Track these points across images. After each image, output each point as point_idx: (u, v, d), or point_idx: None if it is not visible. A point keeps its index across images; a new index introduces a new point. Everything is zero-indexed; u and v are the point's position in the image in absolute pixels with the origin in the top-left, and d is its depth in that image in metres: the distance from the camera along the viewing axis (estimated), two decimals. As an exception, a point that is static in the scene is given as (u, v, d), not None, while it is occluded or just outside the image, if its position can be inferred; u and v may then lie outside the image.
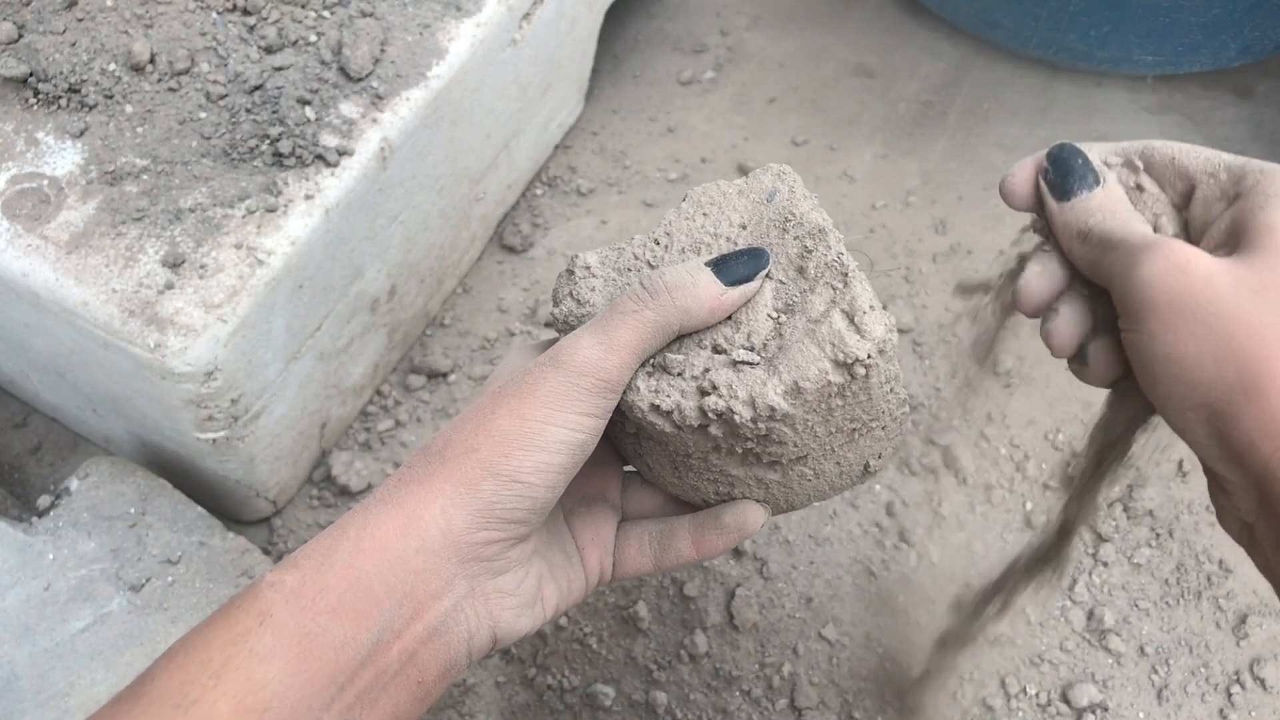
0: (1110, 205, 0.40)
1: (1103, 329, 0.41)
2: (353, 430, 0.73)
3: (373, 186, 0.60)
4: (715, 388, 0.40)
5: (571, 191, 0.85)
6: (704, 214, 0.44)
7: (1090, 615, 0.69)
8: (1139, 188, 0.41)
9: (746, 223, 0.44)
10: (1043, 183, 0.42)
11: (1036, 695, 0.66)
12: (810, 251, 0.42)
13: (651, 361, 0.41)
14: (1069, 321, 0.41)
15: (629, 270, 0.43)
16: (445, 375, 0.76)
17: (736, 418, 0.39)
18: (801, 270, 0.42)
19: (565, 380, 0.38)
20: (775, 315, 0.41)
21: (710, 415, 0.40)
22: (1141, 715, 0.66)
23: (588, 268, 0.43)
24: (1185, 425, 0.37)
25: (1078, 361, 0.41)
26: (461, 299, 0.79)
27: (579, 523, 0.45)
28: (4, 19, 0.58)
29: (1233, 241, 0.38)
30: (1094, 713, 0.66)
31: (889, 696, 0.66)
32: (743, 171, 0.87)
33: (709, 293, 0.40)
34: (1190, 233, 0.41)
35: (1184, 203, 0.41)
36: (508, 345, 0.77)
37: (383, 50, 0.61)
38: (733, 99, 0.92)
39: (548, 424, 0.38)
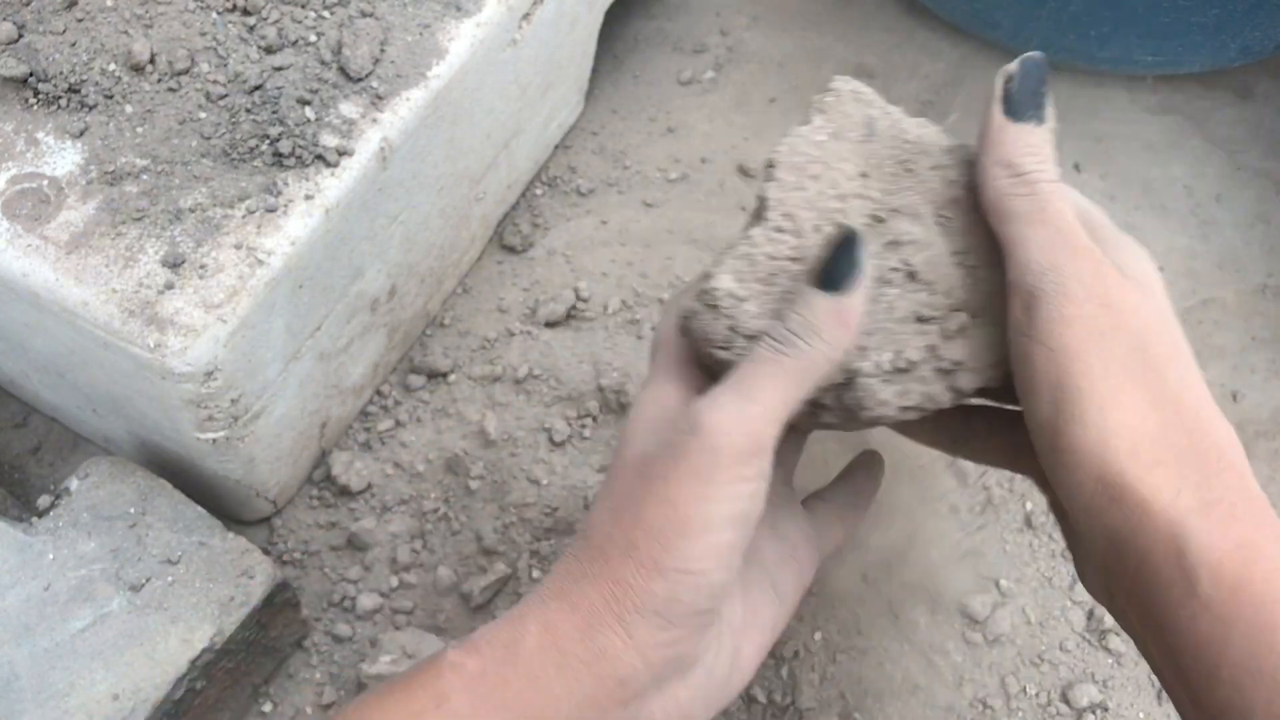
0: (1047, 152, 0.38)
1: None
2: (353, 430, 0.73)
3: (373, 186, 0.60)
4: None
5: (571, 191, 0.85)
6: (811, 177, 0.39)
7: (1090, 615, 0.69)
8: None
9: (866, 170, 0.39)
10: (999, 87, 0.39)
11: (1036, 695, 0.66)
12: (955, 181, 0.39)
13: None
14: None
15: (776, 276, 0.39)
16: (445, 375, 0.76)
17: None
18: (956, 201, 0.38)
19: (709, 452, 0.35)
20: (958, 259, 0.38)
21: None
22: (1141, 715, 0.66)
23: (732, 294, 0.38)
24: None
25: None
26: (461, 299, 0.79)
27: (768, 547, 0.42)
28: (4, 19, 0.58)
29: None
30: (1094, 713, 0.66)
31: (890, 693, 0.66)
32: (743, 172, 0.87)
33: (827, 313, 0.36)
34: None
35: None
36: (508, 342, 0.77)
37: (383, 50, 0.61)
38: (733, 99, 0.92)
39: (702, 503, 0.35)
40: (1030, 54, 0.39)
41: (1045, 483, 0.40)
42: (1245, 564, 0.32)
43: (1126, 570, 0.34)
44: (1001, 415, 0.45)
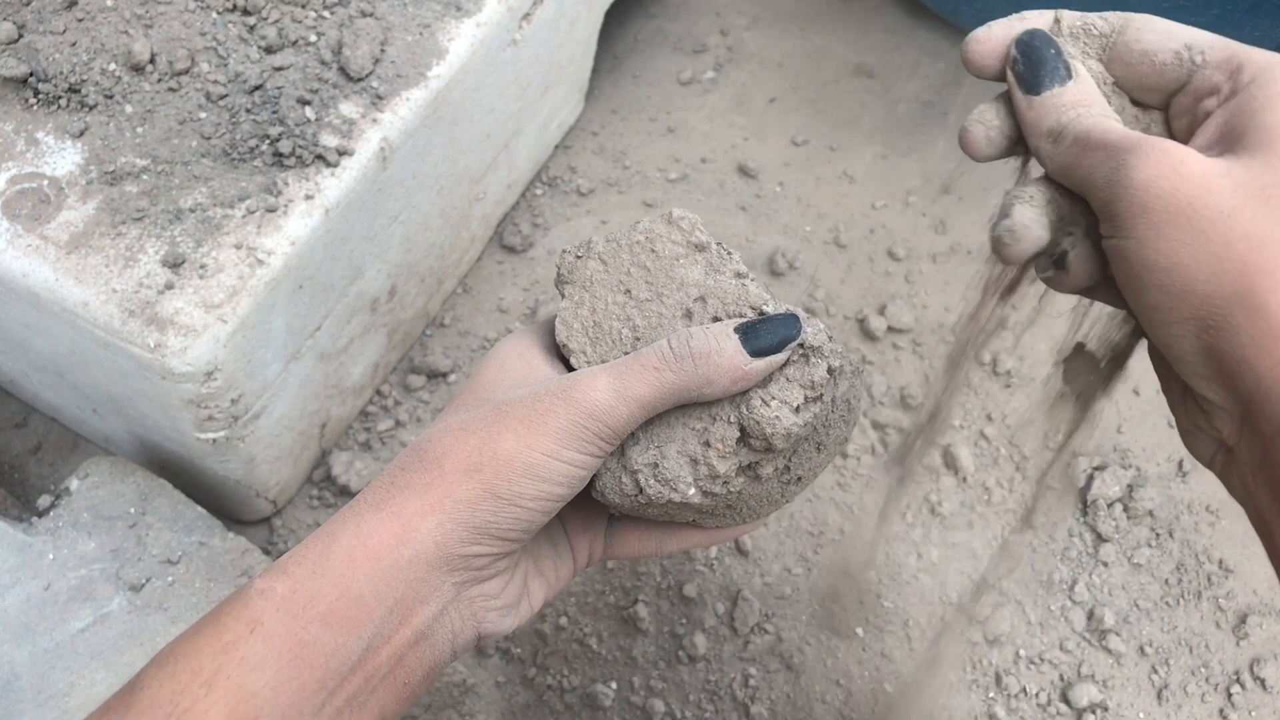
0: (1085, 99, 0.37)
1: (1079, 234, 0.37)
2: (353, 430, 0.73)
3: (373, 186, 0.60)
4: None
5: (571, 191, 0.85)
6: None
7: (1090, 615, 0.69)
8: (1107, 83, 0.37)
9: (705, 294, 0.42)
10: (1010, 74, 0.38)
11: (1036, 695, 0.66)
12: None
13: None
14: (1037, 220, 0.36)
15: (610, 339, 0.43)
16: (445, 375, 0.76)
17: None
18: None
19: (575, 420, 0.38)
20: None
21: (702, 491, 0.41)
22: (1141, 715, 0.66)
23: (565, 323, 0.43)
24: (1171, 339, 0.34)
25: (1054, 267, 0.37)
26: (461, 299, 0.79)
27: (570, 511, 0.45)
28: (4, 19, 0.58)
29: (1227, 143, 0.34)
30: (1094, 713, 0.66)
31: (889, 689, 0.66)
32: (743, 171, 0.87)
33: (732, 363, 0.38)
34: (1174, 132, 0.37)
35: (1163, 100, 0.37)
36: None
37: (383, 50, 0.61)
38: (733, 99, 0.92)
39: (554, 459, 0.38)
40: (1029, 30, 0.38)
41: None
42: None
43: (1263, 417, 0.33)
44: None
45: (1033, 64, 0.37)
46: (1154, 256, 0.33)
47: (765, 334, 0.39)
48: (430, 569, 0.38)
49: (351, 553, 0.37)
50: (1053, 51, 0.37)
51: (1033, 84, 0.37)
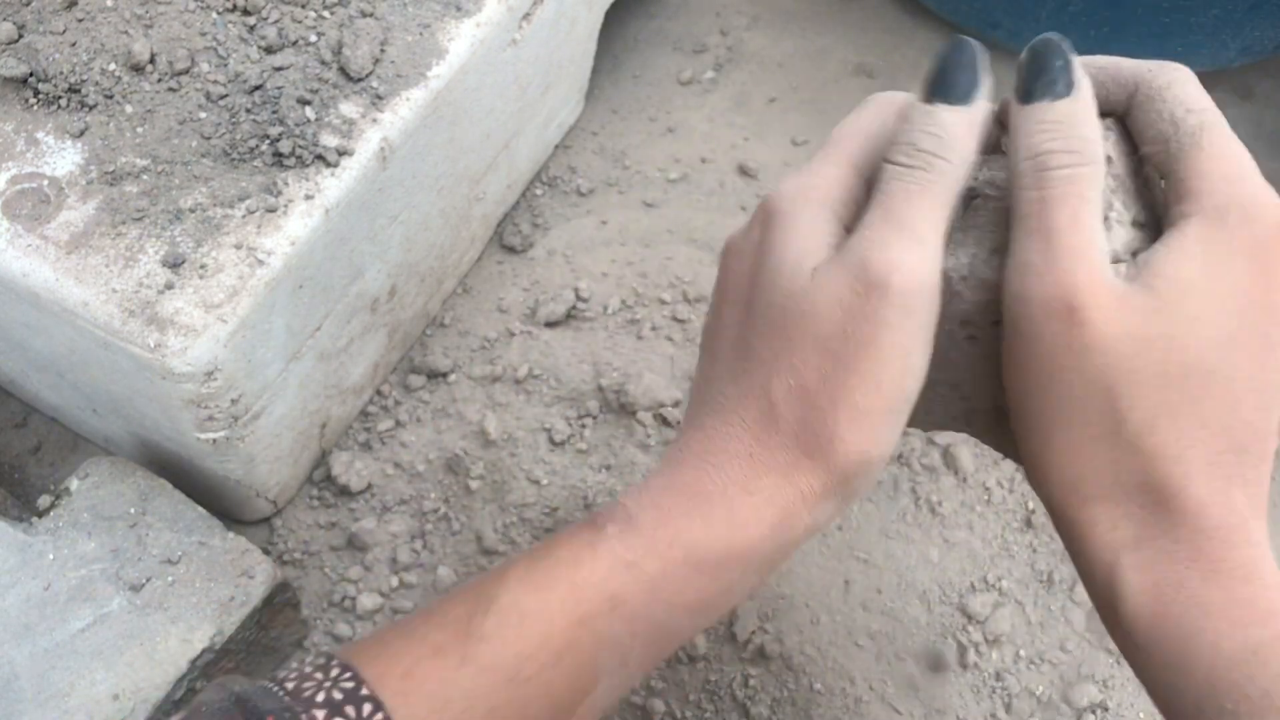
0: (1073, 122, 0.33)
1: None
2: (353, 430, 0.73)
3: (373, 186, 0.60)
4: None
5: (571, 191, 0.85)
6: None
7: (1090, 615, 0.69)
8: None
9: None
10: (1017, 75, 0.36)
11: (1037, 695, 0.66)
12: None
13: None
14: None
15: None
16: (445, 375, 0.76)
17: None
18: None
19: (904, 314, 0.32)
20: None
21: None
22: (1141, 715, 0.66)
23: None
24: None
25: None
26: (461, 299, 0.79)
27: None
28: (4, 19, 0.58)
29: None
30: (1094, 713, 0.66)
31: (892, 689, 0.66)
32: (743, 172, 0.87)
33: (957, 127, 0.33)
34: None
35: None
36: (508, 342, 0.77)
37: (383, 50, 0.61)
38: (733, 99, 0.92)
39: (904, 377, 0.33)
40: (1046, 34, 0.37)
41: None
42: (1163, 601, 0.32)
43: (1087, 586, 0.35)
44: None
45: (1035, 68, 0.35)
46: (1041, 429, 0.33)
47: (956, 76, 0.34)
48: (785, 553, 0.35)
49: (729, 538, 0.34)
50: (1060, 63, 0.35)
51: (1026, 89, 0.35)
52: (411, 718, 0.31)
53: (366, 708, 0.30)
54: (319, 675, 0.32)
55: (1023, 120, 0.34)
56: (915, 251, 0.32)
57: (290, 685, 0.32)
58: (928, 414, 0.39)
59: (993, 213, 0.35)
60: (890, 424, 0.34)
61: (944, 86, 0.34)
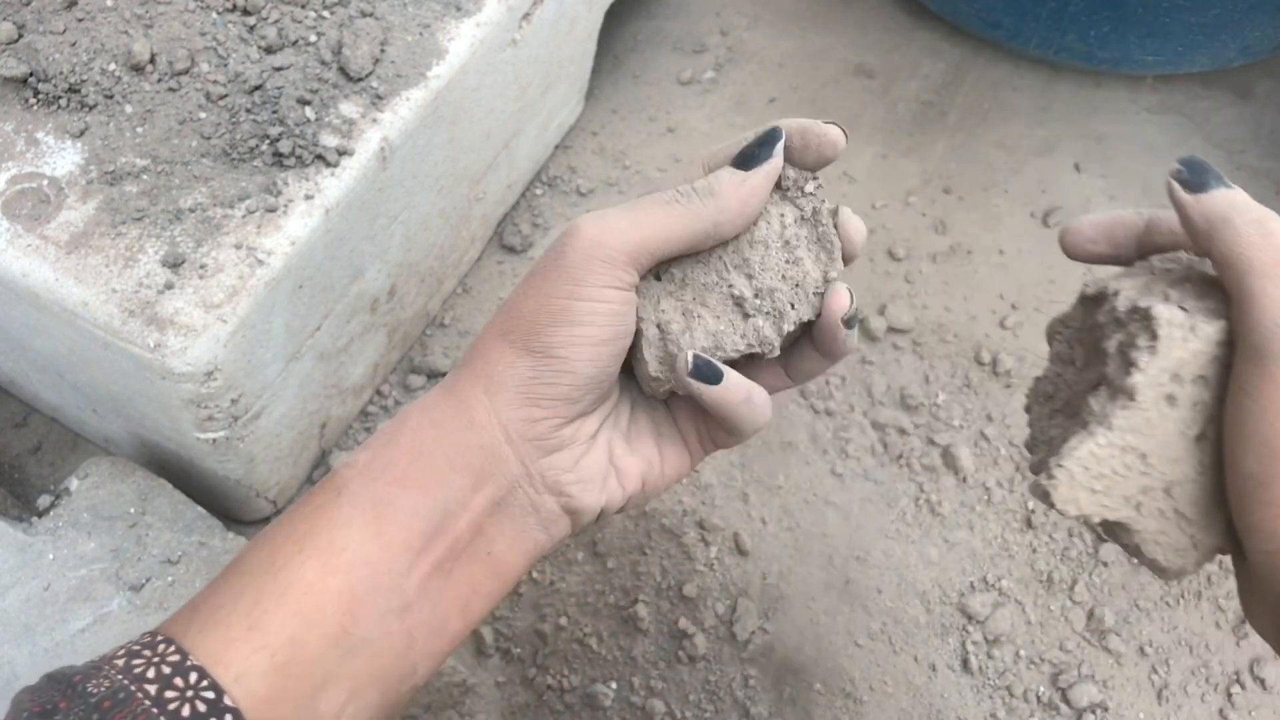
0: (1249, 204, 0.38)
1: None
2: (353, 430, 0.73)
3: (373, 186, 0.60)
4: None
5: (571, 191, 0.85)
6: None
7: (1090, 615, 0.69)
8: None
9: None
10: (1173, 182, 0.39)
11: (1037, 695, 0.66)
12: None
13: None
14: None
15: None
16: (445, 375, 0.76)
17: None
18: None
19: (585, 253, 0.38)
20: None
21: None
22: (1141, 715, 0.66)
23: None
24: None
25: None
26: (461, 299, 0.79)
27: (676, 401, 0.45)
28: (4, 19, 0.58)
29: None
30: (1094, 713, 0.66)
31: (892, 689, 0.66)
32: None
33: (731, 184, 0.39)
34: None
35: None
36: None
37: (383, 50, 0.61)
38: (733, 99, 0.92)
39: (574, 299, 0.38)
40: (1186, 158, 0.40)
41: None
42: None
43: None
44: None
45: (1198, 169, 0.38)
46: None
47: (754, 151, 0.40)
48: (488, 435, 0.39)
49: (419, 425, 0.40)
50: (1215, 170, 0.39)
51: (1200, 183, 0.38)
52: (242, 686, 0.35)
53: (193, 676, 0.34)
54: (147, 652, 0.36)
55: (1203, 204, 0.38)
56: (625, 228, 0.39)
57: (120, 662, 0.35)
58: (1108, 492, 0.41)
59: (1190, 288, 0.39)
60: (551, 335, 0.39)
61: (740, 157, 0.41)
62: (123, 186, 0.56)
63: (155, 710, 0.33)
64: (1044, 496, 0.38)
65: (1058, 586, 0.70)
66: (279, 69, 0.59)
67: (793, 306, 0.42)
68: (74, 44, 0.57)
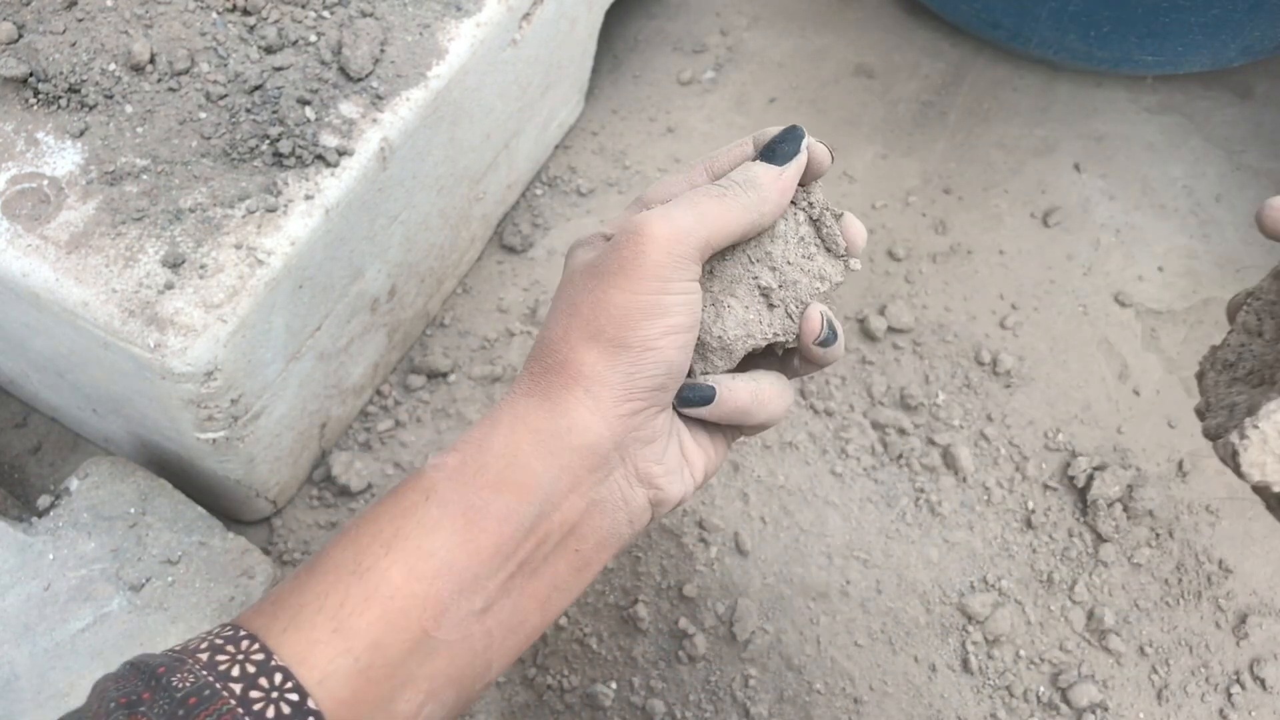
0: None
1: None
2: (353, 430, 0.73)
3: (373, 186, 0.60)
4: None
5: (571, 191, 0.85)
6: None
7: (1090, 615, 0.69)
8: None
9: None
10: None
11: (1037, 695, 0.66)
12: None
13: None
14: None
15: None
16: (445, 375, 0.76)
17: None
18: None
19: (666, 250, 0.39)
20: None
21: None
22: (1141, 715, 0.66)
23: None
24: None
25: None
26: (461, 299, 0.79)
27: None
28: (4, 19, 0.58)
29: None
30: (1094, 713, 0.66)
31: (892, 688, 0.66)
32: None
33: (769, 176, 0.42)
34: None
35: None
36: (508, 342, 0.77)
37: (383, 50, 0.61)
38: (733, 99, 0.92)
39: (663, 294, 0.40)
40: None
41: None
42: None
43: None
44: None
45: None
46: None
47: (781, 146, 0.43)
48: (597, 438, 0.40)
49: (513, 429, 0.40)
50: None
51: None
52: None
53: (278, 678, 0.34)
54: (230, 648, 0.35)
55: None
56: (687, 221, 0.40)
57: (203, 656, 0.35)
58: None
59: None
60: (647, 329, 0.40)
61: (771, 151, 0.43)
62: (123, 186, 0.56)
63: (240, 710, 0.33)
64: (1231, 456, 0.38)
65: (1058, 586, 0.70)
66: (279, 69, 0.59)
67: (812, 298, 0.44)
68: (74, 44, 0.57)
